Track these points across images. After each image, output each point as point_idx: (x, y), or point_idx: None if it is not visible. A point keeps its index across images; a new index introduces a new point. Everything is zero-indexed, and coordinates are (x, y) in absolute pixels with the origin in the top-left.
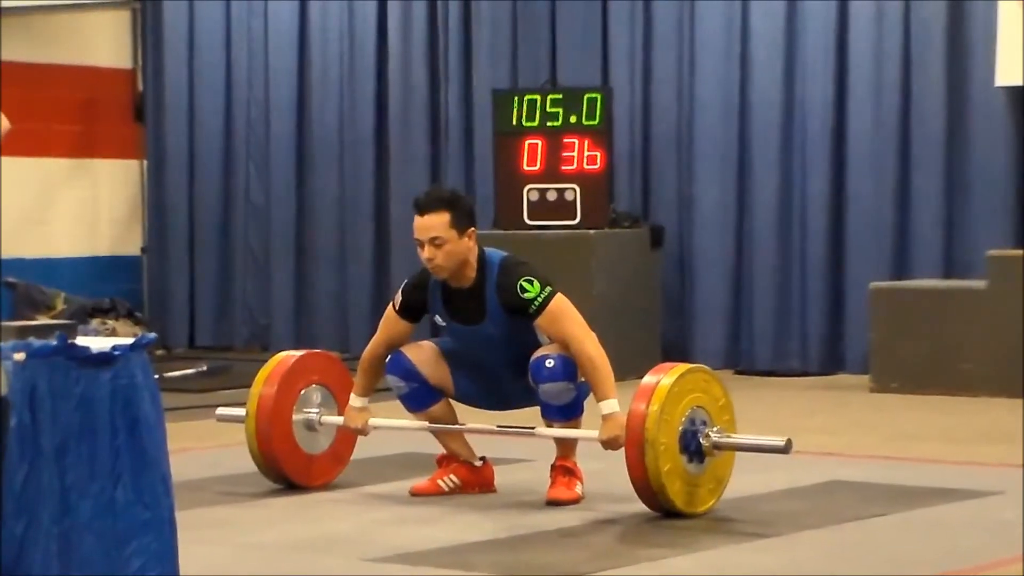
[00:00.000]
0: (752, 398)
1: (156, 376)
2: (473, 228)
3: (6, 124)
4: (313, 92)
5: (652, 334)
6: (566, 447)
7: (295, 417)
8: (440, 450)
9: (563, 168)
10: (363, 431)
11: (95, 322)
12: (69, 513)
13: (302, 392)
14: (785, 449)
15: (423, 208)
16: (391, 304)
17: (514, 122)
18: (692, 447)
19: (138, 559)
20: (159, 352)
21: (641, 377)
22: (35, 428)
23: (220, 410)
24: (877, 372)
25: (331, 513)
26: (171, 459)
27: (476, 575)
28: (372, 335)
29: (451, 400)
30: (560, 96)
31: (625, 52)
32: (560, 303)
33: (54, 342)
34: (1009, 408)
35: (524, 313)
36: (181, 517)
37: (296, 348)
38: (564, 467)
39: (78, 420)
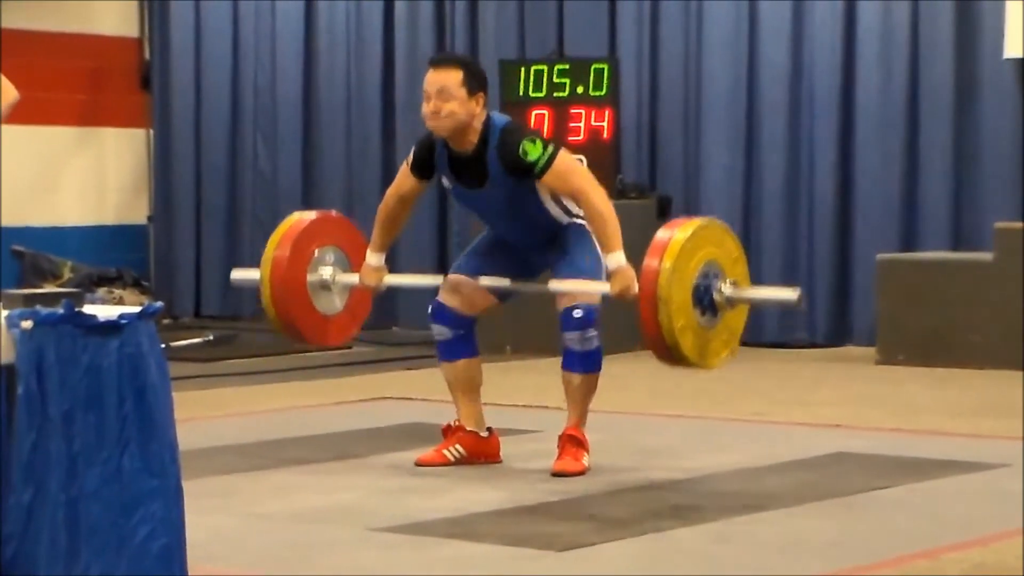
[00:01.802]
0: (759, 369)
1: (162, 345)
2: (483, 94)
3: (14, 94)
4: (320, 61)
5: None
6: (577, 415)
7: (309, 277)
8: (446, 420)
9: (570, 138)
10: (378, 289)
11: (102, 291)
12: (76, 481)
13: (316, 253)
14: (797, 302)
15: (438, 63)
16: (405, 161)
17: (521, 92)
18: (705, 301)
19: (145, 527)
20: (165, 321)
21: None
22: (42, 396)
23: (234, 273)
24: (884, 344)
25: (337, 483)
26: (177, 428)
27: (481, 545)
28: (380, 305)
29: (498, 305)
30: (567, 66)
31: (632, 22)
32: (565, 158)
33: (61, 310)
34: (1015, 381)
35: (529, 173)
36: (187, 486)
37: None
38: (573, 437)
39: (85, 388)
